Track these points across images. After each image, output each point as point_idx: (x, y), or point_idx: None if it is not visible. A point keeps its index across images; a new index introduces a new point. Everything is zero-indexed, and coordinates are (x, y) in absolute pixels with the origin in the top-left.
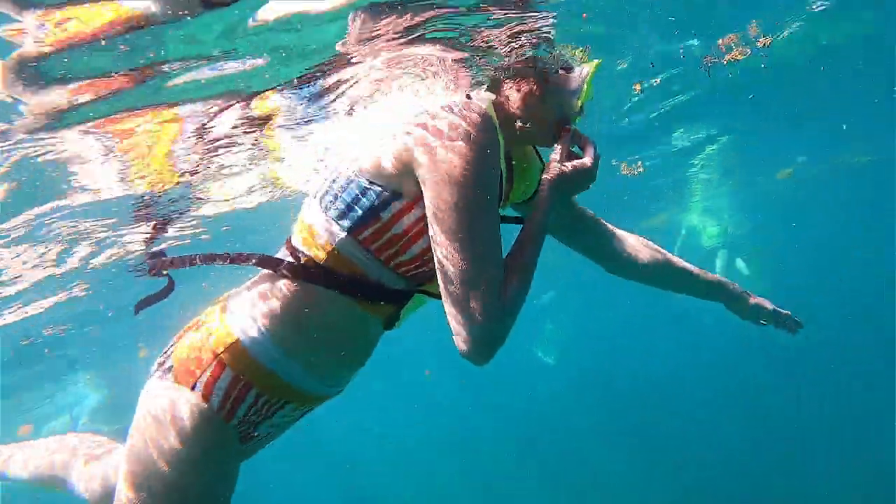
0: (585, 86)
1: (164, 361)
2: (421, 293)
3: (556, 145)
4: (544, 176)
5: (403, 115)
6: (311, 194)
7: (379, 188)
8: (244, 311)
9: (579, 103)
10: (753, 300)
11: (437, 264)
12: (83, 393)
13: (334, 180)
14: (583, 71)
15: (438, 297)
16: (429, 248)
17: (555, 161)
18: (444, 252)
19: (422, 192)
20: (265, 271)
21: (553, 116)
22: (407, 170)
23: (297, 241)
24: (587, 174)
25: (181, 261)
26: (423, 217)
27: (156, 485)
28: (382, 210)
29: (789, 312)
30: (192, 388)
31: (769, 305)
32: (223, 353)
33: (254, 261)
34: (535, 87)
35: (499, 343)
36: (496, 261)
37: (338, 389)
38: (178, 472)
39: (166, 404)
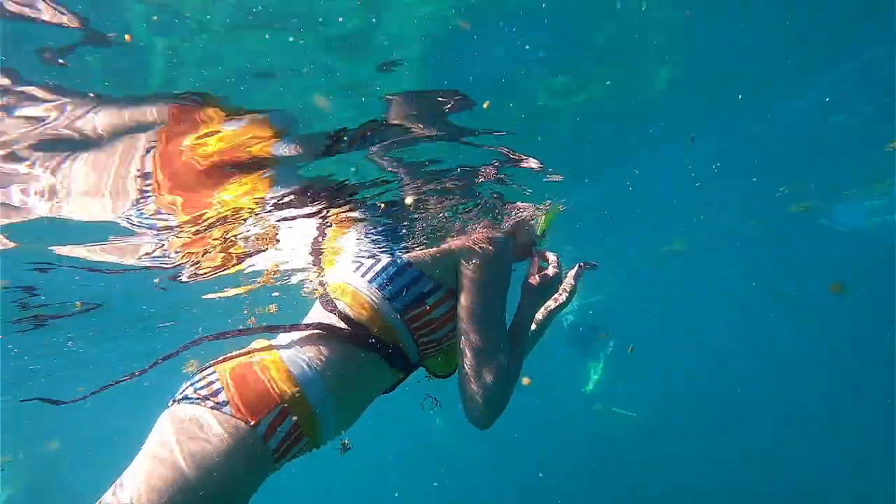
0: (543, 224)
1: (211, 394)
2: (421, 366)
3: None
4: (522, 286)
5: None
6: (351, 267)
7: (428, 279)
8: (304, 363)
9: (540, 234)
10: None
11: (463, 343)
12: None
13: (382, 263)
14: (545, 212)
15: (436, 374)
16: (449, 333)
17: (529, 276)
18: (470, 334)
19: (456, 287)
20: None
21: (527, 240)
22: (453, 270)
23: (347, 309)
24: (551, 281)
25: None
26: (453, 308)
27: (182, 494)
28: (428, 297)
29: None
30: (255, 426)
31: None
32: (289, 400)
33: (313, 329)
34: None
35: (502, 411)
36: (507, 344)
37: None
38: (217, 490)
39: (224, 434)
